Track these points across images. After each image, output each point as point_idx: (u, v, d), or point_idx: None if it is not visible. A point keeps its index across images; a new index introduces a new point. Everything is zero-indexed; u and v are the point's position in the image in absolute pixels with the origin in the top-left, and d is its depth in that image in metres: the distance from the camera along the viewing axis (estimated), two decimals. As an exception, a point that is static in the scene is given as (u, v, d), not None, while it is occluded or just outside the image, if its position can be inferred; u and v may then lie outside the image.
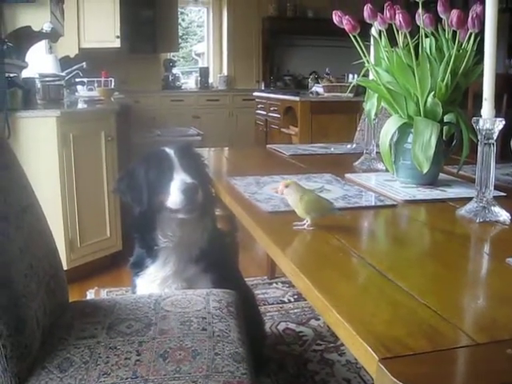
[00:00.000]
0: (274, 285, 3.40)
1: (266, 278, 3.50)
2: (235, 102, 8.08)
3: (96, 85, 5.23)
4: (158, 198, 1.80)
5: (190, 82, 8.79)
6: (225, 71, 8.46)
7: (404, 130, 1.71)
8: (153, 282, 1.89)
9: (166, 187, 1.78)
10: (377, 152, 2.05)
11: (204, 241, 1.89)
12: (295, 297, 3.18)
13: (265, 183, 1.82)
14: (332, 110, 5.13)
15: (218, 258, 1.91)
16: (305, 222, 1.31)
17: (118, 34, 6.18)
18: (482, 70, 1.35)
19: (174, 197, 1.76)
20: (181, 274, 1.87)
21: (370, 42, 1.84)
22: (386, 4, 1.67)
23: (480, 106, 1.36)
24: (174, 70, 8.41)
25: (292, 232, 1.30)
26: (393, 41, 1.71)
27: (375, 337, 0.79)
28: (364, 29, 1.76)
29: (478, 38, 1.58)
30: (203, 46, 9.16)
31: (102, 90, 4.96)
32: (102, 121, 3.63)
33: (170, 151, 1.85)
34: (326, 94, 5.55)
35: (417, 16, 1.69)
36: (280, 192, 1.35)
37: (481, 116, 1.35)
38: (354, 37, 1.72)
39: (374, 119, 2.03)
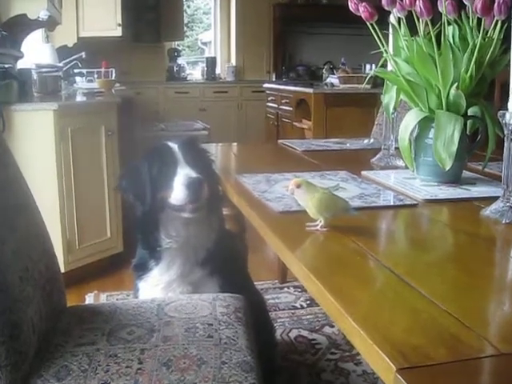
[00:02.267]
0: (286, 289, 3.40)
1: (277, 281, 3.50)
2: (244, 94, 8.08)
3: (96, 76, 5.25)
4: (161, 196, 1.81)
5: (195, 73, 8.80)
6: (233, 61, 8.46)
7: (425, 124, 1.70)
8: (156, 286, 1.89)
9: (169, 183, 1.79)
10: (396, 148, 2.05)
11: (211, 242, 1.89)
12: (308, 302, 3.18)
13: (276, 181, 1.82)
14: (348, 102, 5.12)
15: (225, 260, 1.91)
16: (318, 222, 1.31)
17: (120, 22, 6.19)
18: (510, 60, 1.35)
19: (177, 192, 1.77)
20: (186, 278, 1.88)
21: (388, 30, 1.84)
22: (406, -11, 1.67)
23: (507, 99, 1.35)
24: (179, 60, 8.42)
25: (304, 233, 1.30)
26: (413, 29, 1.70)
27: (393, 345, 0.79)
28: (382, 16, 1.76)
29: (505, 26, 1.58)
30: (210, 35, 9.16)
31: (102, 82, 4.98)
32: (102, 114, 3.64)
33: (173, 146, 1.86)
34: (341, 86, 5.54)
35: (439, 2, 1.69)
36: (290, 192, 1.35)
37: (507, 109, 1.35)
38: (372, 25, 1.72)
39: (393, 113, 2.02)
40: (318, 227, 1.31)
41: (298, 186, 1.34)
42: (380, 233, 1.46)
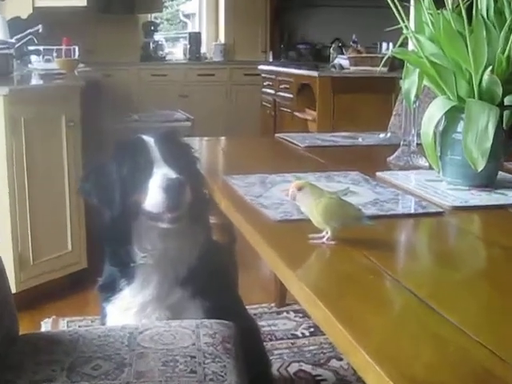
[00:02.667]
0: (284, 314, 3.40)
1: (274, 305, 3.50)
2: (235, 78, 8.08)
3: (55, 54, 5.23)
4: (133, 200, 1.81)
5: (176, 52, 8.80)
6: (221, 38, 8.46)
7: (453, 115, 1.71)
8: (127, 310, 1.89)
9: (143, 186, 1.79)
10: (417, 144, 2.05)
11: (194, 257, 1.89)
12: (311, 330, 3.18)
13: (273, 183, 1.83)
14: (360, 88, 5.13)
15: (211, 279, 1.91)
16: (324, 234, 1.31)
17: (85, -11, 6.18)
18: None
19: (152, 197, 1.77)
20: (164, 300, 1.88)
21: (409, 1, 1.84)
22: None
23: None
24: (157, 36, 8.42)
25: (307, 247, 1.30)
26: (439, 1, 1.71)
27: (414, 383, 0.79)
28: (402, -15, 1.76)
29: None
30: (194, 6, 9.17)
31: (63, 62, 4.97)
32: (62, 101, 3.63)
33: (149, 140, 1.86)
34: (352, 68, 5.55)
35: (470, -31, 1.69)
36: (291, 196, 1.35)
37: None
38: (389, -5, 1.73)
39: (415, 101, 2.03)
40: (324, 239, 1.31)
41: (300, 190, 1.34)
42: (398, 247, 1.46)
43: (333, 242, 1.30)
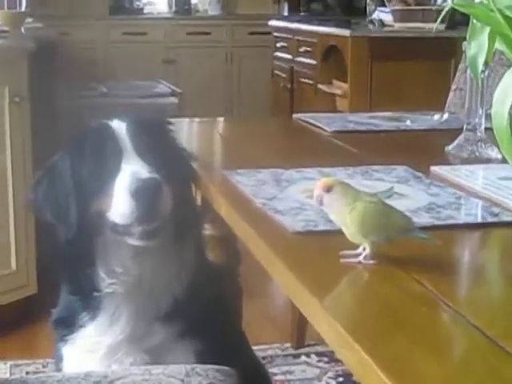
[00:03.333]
0: (304, 358, 3.41)
1: (290, 346, 3.51)
2: (237, 38, 8.10)
3: (-5, 5, 5.26)
4: (95, 209, 1.81)
5: (158, 3, 8.81)
6: (219, -17, 8.49)
7: (535, 90, 1.71)
8: (92, 353, 1.89)
9: (108, 189, 1.79)
10: (487, 128, 2.05)
11: (181, 283, 1.90)
12: (340, 379, 3.19)
13: (290, 181, 1.83)
14: (407, 52, 5.12)
15: (206, 312, 1.91)
16: (361, 250, 1.31)
17: None
18: None
19: (118, 203, 1.77)
20: (140, 341, 1.88)
21: None
22: None
23: None
24: (132, -18, 8.45)
25: (338, 268, 1.30)
26: None
27: None
28: None
29: None
30: None
31: (5, 15, 4.98)
32: (4, 69, 3.64)
33: (118, 127, 1.85)
34: (397, 26, 5.54)
35: None
36: (316, 199, 1.35)
37: None
38: None
39: (483, 71, 2.03)
40: (361, 258, 1.31)
41: (329, 190, 1.34)
42: (461, 268, 1.46)
43: (372, 262, 1.31)
